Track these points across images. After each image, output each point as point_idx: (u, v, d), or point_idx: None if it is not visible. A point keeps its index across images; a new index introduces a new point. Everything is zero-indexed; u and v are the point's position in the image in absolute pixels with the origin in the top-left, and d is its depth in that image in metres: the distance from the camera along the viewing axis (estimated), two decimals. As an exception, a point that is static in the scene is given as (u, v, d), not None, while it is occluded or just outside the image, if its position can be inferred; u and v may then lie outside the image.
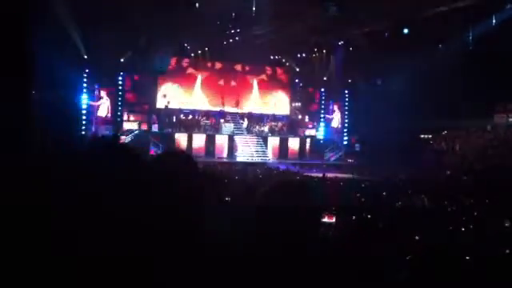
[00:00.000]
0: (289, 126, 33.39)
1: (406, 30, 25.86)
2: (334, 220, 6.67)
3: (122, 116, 29.42)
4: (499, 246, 6.64)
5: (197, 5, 24.22)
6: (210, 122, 30.70)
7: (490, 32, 24.75)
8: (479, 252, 5.90)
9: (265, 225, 1.97)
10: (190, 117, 30.87)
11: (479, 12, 23.82)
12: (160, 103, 30.89)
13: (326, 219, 6.81)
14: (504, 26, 23.84)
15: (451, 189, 15.93)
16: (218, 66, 33.11)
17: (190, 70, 32.22)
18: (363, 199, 12.13)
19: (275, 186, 2.16)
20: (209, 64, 32.82)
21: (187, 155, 2.55)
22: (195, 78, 32.34)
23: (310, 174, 21.72)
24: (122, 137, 26.68)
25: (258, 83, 34.21)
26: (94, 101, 28.78)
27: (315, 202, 2.08)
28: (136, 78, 30.19)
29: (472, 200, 12.31)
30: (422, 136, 31.64)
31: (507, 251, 6.46)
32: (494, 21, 24.34)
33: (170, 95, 31.31)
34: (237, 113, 32.18)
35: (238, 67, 33.66)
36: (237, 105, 32.64)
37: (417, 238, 7.66)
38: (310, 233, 1.98)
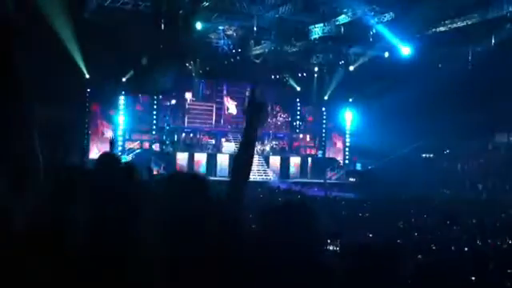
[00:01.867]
0: (290, 144, 33.39)
1: (405, 51, 25.92)
2: (337, 247, 6.56)
3: (124, 135, 29.43)
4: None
5: (198, 26, 24.43)
6: (210, 141, 30.71)
7: (491, 51, 24.88)
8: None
9: (264, 252, 1.88)
10: (192, 135, 30.90)
11: (479, 32, 23.97)
12: (161, 122, 30.93)
13: (329, 246, 6.70)
14: (504, 45, 23.96)
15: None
16: (219, 85, 33.28)
17: (192, 90, 32.33)
18: (365, 219, 12.10)
19: (275, 209, 2.07)
20: (210, 83, 33.01)
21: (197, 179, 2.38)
22: (196, 97, 32.49)
23: (312, 194, 21.68)
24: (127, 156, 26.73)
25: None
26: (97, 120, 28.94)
27: (319, 227, 1.98)
28: (137, 97, 30.31)
29: (474, 220, 12.28)
30: (425, 155, 31.59)
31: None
32: (493, 40, 24.44)
33: (172, 114, 31.38)
34: (238, 132, 32.17)
35: (239, 86, 33.78)
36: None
37: (419, 256, 7.62)
38: (312, 263, 1.86)
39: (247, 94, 32.85)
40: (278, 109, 35.11)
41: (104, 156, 3.53)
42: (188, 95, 32.28)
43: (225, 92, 33.58)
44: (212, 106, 33.26)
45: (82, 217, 2.21)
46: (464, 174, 28.80)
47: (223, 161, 29.48)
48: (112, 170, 3.18)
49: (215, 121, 33.17)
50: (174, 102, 31.83)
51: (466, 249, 8.44)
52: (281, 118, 34.96)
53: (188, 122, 31.98)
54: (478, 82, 25.94)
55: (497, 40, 24.31)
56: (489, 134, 29.93)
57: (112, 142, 4.85)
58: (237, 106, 33.61)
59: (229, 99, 33.59)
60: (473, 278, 5.65)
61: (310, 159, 32.66)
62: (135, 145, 29.42)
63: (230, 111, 33.53)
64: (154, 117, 30.69)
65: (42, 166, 2.08)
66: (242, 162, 2.47)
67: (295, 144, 33.91)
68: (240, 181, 2.43)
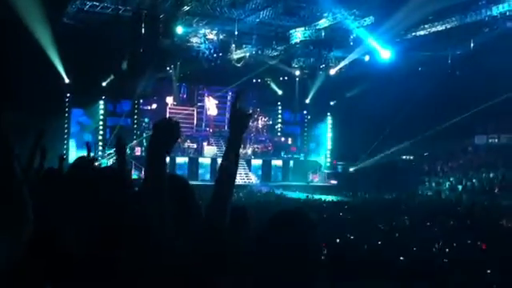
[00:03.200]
0: (272, 147, 33.43)
1: (386, 54, 26.10)
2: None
3: (104, 140, 29.22)
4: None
5: (178, 30, 24.37)
6: (192, 146, 30.63)
7: (470, 54, 25.20)
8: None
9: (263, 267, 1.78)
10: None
11: (458, 35, 24.25)
12: (141, 126, 30.79)
13: None
14: (482, 49, 24.27)
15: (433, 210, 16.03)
16: (201, 89, 33.27)
17: (173, 94, 32.23)
18: (347, 221, 12.14)
19: (271, 222, 1.93)
20: (191, 87, 32.98)
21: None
22: (177, 101, 32.39)
23: (293, 197, 21.71)
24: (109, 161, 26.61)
25: (243, 106, 34.42)
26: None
27: (316, 237, 1.87)
28: (118, 101, 30.15)
29: (452, 222, 12.39)
30: (404, 157, 31.83)
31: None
32: (472, 44, 24.75)
33: (152, 119, 31.31)
34: (220, 136, 32.15)
35: (220, 91, 33.81)
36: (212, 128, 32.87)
37: (401, 258, 7.67)
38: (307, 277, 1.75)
39: (229, 98, 32.93)
40: (259, 112, 35.18)
41: (78, 160, 3.52)
42: (169, 99, 32.18)
43: (206, 94, 33.51)
44: (193, 110, 33.21)
45: (56, 219, 2.19)
46: (444, 176, 29.06)
47: (205, 165, 29.47)
48: (86, 173, 3.15)
49: (196, 125, 33.11)
50: (154, 106, 31.73)
51: (446, 250, 8.52)
52: (262, 122, 35.03)
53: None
54: (457, 85, 26.23)
55: (476, 44, 24.62)
56: (469, 136, 30.25)
57: (89, 147, 4.79)
58: (217, 105, 33.56)
59: (210, 99, 33.49)
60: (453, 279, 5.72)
61: (291, 162, 32.72)
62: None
63: (210, 112, 33.41)
64: (135, 121, 30.56)
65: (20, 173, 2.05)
66: (225, 174, 2.36)
67: (277, 147, 33.84)
68: (225, 194, 2.32)
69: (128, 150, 29.28)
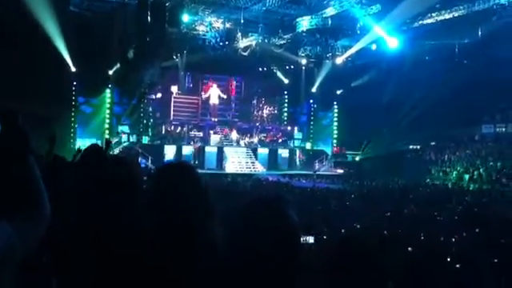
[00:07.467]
0: (278, 136, 33.38)
1: (392, 43, 25.97)
2: (312, 240, 6.40)
3: (110, 128, 29.25)
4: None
5: (184, 18, 24.33)
6: (198, 135, 30.60)
7: (477, 43, 25.05)
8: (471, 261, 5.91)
9: (233, 249, 1.68)
10: (179, 128, 30.71)
11: (466, 23, 24.09)
12: (148, 115, 30.79)
13: (303, 238, 6.59)
14: (490, 38, 24.12)
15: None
16: (208, 77, 33.20)
17: (180, 82, 32.19)
18: (353, 210, 12.14)
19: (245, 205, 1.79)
20: (197, 76, 32.91)
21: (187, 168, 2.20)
22: (182, 90, 32.37)
23: (300, 185, 21.70)
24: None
25: (247, 95, 34.50)
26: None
27: (295, 220, 1.71)
28: (124, 89, 30.11)
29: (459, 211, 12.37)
30: (411, 147, 31.75)
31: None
32: (480, 32, 24.59)
33: (158, 108, 31.33)
34: (226, 124, 32.13)
35: (229, 79, 33.80)
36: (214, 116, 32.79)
37: (410, 249, 7.65)
38: (287, 259, 1.63)
39: (233, 86, 32.88)
40: (264, 101, 35.16)
41: (91, 147, 3.50)
42: (173, 88, 32.03)
43: (210, 83, 33.34)
44: (198, 100, 33.12)
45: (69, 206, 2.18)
46: (451, 165, 28.97)
47: (211, 153, 29.43)
48: (99, 161, 3.14)
49: (201, 114, 32.98)
50: (159, 95, 31.60)
51: (453, 239, 8.50)
52: (267, 111, 34.99)
53: (174, 115, 31.76)
54: (464, 74, 26.08)
55: (483, 32, 24.45)
56: (476, 125, 30.08)
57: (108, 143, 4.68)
58: (220, 95, 33.38)
59: (214, 88, 33.25)
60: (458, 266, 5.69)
61: (298, 151, 32.66)
62: (123, 137, 29.19)
63: (212, 101, 33.17)
64: (142, 110, 30.58)
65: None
66: None
67: (283, 136, 33.76)
68: None
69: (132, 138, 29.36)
